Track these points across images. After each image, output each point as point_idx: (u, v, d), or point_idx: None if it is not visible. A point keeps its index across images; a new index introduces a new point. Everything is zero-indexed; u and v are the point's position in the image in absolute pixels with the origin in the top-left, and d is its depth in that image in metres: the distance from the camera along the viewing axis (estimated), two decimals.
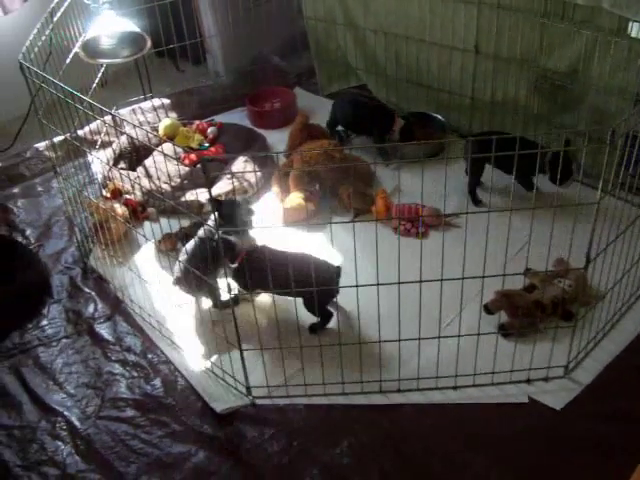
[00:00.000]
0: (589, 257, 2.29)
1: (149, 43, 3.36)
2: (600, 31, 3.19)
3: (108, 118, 3.24)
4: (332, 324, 2.43)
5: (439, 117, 4.01)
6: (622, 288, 2.75)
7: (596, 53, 3.26)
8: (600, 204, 2.19)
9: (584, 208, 2.23)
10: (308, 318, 2.46)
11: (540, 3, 3.35)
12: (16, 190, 3.84)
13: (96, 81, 3.81)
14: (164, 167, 3.61)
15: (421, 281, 2.23)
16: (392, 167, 3.75)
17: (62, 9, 3.05)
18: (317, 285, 2.35)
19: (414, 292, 2.28)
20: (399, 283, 2.25)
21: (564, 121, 3.59)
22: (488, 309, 2.71)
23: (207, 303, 2.89)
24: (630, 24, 3.03)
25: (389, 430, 2.41)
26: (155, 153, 3.66)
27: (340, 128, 4.07)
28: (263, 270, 2.42)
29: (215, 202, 2.68)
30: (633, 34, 3.04)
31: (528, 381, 2.56)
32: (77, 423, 2.53)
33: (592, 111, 3.42)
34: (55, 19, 3.00)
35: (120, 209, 3.26)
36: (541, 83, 3.57)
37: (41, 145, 3.99)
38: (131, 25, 3.20)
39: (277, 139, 4.11)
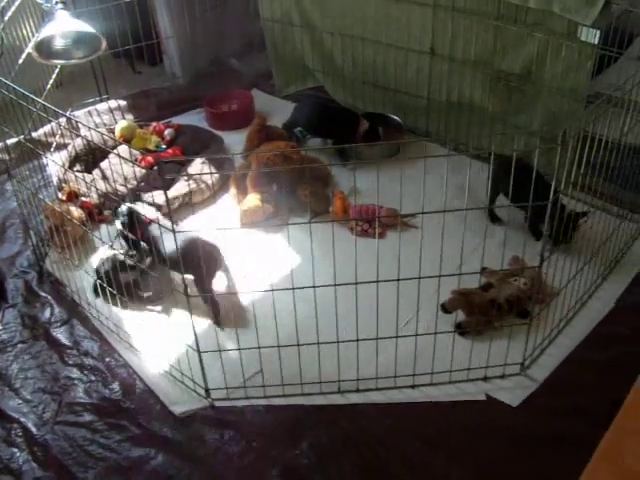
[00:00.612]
0: (543, 255, 2.33)
1: (104, 44, 3.32)
2: (552, 34, 3.25)
3: (63, 120, 3.21)
4: (291, 325, 2.43)
5: (396, 118, 4.04)
6: (576, 286, 2.81)
7: (548, 55, 3.32)
8: (551, 204, 2.23)
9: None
10: (267, 319, 2.46)
11: (494, 6, 3.41)
12: None
13: (50, 82, 3.76)
14: (120, 169, 3.58)
15: (378, 281, 2.25)
16: (349, 168, 3.77)
17: (13, 8, 3.01)
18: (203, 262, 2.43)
19: (372, 292, 2.29)
20: (356, 283, 2.26)
21: (519, 121, 3.65)
22: (445, 308, 2.74)
23: (166, 306, 2.88)
24: (580, 28, 3.09)
25: (348, 430, 2.43)
26: (111, 155, 3.63)
27: (298, 129, 4.07)
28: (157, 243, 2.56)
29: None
30: (582, 37, 3.10)
31: (485, 379, 2.59)
32: (33, 429, 2.49)
33: (545, 112, 3.48)
34: (6, 18, 2.96)
35: (76, 212, 3.22)
36: (495, 84, 3.62)
37: None
38: (86, 26, 3.16)
39: (235, 141, 4.11)
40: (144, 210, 2.92)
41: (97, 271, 2.94)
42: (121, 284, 2.78)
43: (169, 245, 2.50)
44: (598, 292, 2.96)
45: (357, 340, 2.42)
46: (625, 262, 3.11)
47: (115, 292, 2.76)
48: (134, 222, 2.87)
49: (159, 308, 2.92)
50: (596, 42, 3.07)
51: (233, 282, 2.97)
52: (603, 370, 2.60)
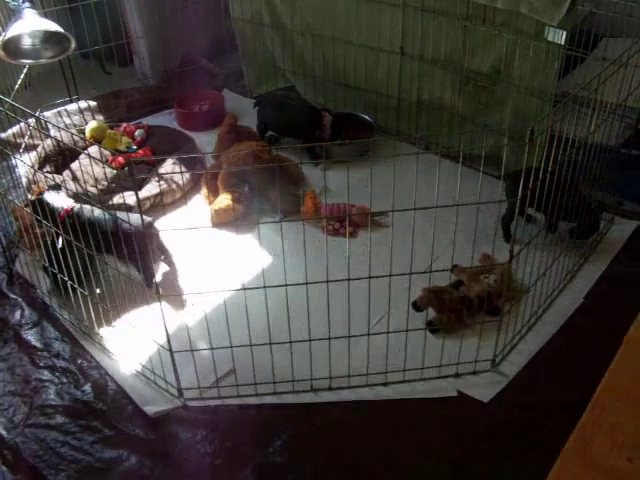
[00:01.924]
0: (512, 252, 2.36)
1: (73, 44, 3.31)
2: (519, 34, 3.29)
3: (32, 121, 3.19)
4: (263, 324, 2.44)
5: (367, 117, 4.06)
6: (545, 282, 2.84)
7: (516, 55, 3.36)
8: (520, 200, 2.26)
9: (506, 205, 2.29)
10: (239, 318, 2.47)
11: (462, 6, 3.44)
12: None
13: (19, 82, 3.73)
14: (91, 170, 3.56)
15: (349, 279, 2.27)
16: (320, 167, 3.78)
17: None
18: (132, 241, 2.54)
19: (343, 291, 2.31)
20: (327, 282, 2.27)
21: (488, 121, 3.68)
22: (416, 306, 2.76)
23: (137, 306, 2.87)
24: (547, 28, 3.13)
25: (321, 428, 2.44)
26: (82, 156, 3.61)
27: (270, 133, 4.08)
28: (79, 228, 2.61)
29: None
30: (549, 38, 3.14)
31: (457, 375, 2.61)
32: (4, 432, 2.47)
33: (515, 111, 3.51)
34: None
35: None
36: (465, 84, 3.65)
37: None
38: (54, 25, 3.15)
39: (206, 141, 4.10)
40: (59, 199, 2.92)
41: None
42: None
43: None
44: (567, 288, 3.00)
45: (329, 338, 2.43)
46: (593, 259, 3.15)
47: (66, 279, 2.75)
48: (44, 212, 2.85)
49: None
50: (563, 42, 3.10)
51: (173, 266, 3.00)
52: (573, 366, 2.63)
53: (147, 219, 2.83)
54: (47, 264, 2.86)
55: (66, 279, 2.75)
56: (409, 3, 3.64)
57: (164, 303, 2.32)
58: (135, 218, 2.67)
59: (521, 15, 3.20)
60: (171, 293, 2.91)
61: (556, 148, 2.39)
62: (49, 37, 3.26)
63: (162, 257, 3.02)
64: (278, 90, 4.58)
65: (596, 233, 3.09)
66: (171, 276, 2.99)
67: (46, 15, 3.30)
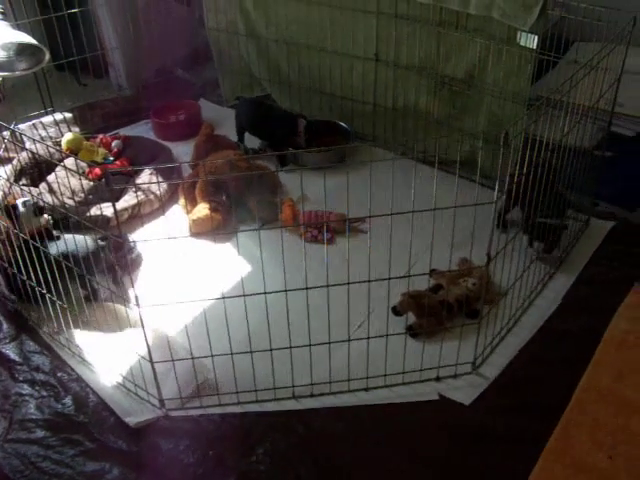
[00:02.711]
0: (489, 255, 2.38)
1: (47, 55, 3.30)
2: (492, 39, 3.32)
3: (7, 133, 3.17)
4: (243, 332, 2.44)
5: (343, 124, 4.08)
6: (523, 285, 2.87)
7: (490, 60, 3.39)
8: (497, 204, 2.28)
9: (483, 208, 2.30)
10: (219, 327, 2.47)
11: (435, 13, 3.47)
12: None
13: None
14: (67, 182, 3.55)
15: (328, 285, 2.27)
16: (296, 174, 3.79)
17: None
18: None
19: (323, 297, 2.32)
20: (306, 288, 2.28)
21: (464, 125, 3.71)
22: (396, 311, 2.77)
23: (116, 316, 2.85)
24: (519, 33, 3.17)
25: (304, 434, 2.43)
26: (58, 168, 3.59)
27: (251, 147, 4.09)
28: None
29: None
30: (522, 43, 3.17)
31: (437, 379, 2.62)
32: None
33: (489, 115, 3.55)
34: None
35: None
36: (440, 89, 3.68)
37: None
38: (27, 37, 3.13)
39: (183, 151, 4.10)
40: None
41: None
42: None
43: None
44: (545, 290, 3.02)
45: (310, 345, 2.43)
46: (571, 260, 3.18)
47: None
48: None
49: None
50: (535, 47, 3.14)
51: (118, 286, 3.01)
52: (552, 366, 2.65)
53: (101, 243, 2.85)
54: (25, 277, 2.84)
55: (44, 292, 2.73)
56: (383, 10, 3.67)
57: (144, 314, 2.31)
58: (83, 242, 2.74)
59: (493, 20, 3.24)
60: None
61: (530, 151, 2.42)
62: (22, 49, 3.25)
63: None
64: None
65: (557, 249, 3.12)
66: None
67: (19, 27, 3.29)
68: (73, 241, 2.75)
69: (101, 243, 2.89)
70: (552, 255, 3.09)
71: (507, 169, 2.28)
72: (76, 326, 2.81)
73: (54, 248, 2.77)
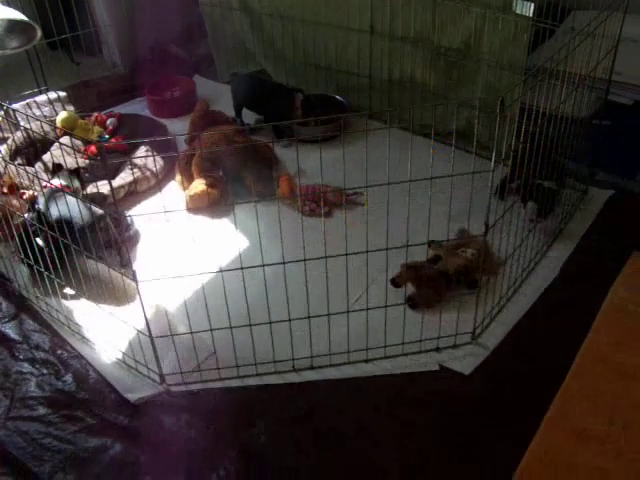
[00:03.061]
0: (487, 224, 2.37)
1: (39, 33, 3.27)
2: (488, 8, 3.29)
3: (1, 113, 3.15)
4: (242, 306, 2.44)
5: (338, 97, 4.06)
6: (522, 254, 2.86)
7: (485, 29, 3.37)
8: (494, 172, 2.27)
9: (480, 178, 2.29)
10: (218, 301, 2.47)
11: None
12: None
13: None
14: (63, 161, 3.52)
15: (326, 257, 2.27)
16: (292, 148, 3.77)
17: None
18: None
19: (321, 269, 2.31)
20: (304, 260, 2.27)
21: (460, 96, 3.69)
22: (395, 282, 2.77)
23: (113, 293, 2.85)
24: (514, 1, 3.14)
25: (304, 406, 2.44)
26: (53, 147, 3.57)
27: (248, 123, 4.06)
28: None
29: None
30: (517, 11, 3.15)
31: (437, 349, 2.63)
32: None
33: (486, 85, 3.52)
34: None
35: (18, 203, 3.17)
36: (436, 60, 3.66)
37: None
38: (18, 13, 3.10)
39: (178, 128, 4.09)
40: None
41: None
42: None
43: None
44: (544, 260, 3.02)
45: (309, 317, 2.43)
46: (568, 230, 3.18)
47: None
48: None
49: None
50: (530, 15, 3.12)
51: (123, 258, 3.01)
52: (552, 335, 2.66)
53: (98, 212, 2.83)
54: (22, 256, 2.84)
55: (42, 270, 2.73)
56: None
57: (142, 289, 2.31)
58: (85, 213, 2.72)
59: None
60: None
61: (527, 120, 2.40)
62: (13, 26, 3.21)
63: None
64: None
65: (552, 213, 3.10)
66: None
67: (9, 3, 3.25)
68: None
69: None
70: (546, 221, 3.08)
71: (504, 137, 2.27)
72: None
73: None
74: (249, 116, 4.12)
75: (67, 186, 3.08)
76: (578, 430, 2.02)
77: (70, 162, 3.50)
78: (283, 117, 3.87)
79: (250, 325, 2.41)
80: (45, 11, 3.97)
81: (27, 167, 3.56)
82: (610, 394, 2.13)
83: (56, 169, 3.07)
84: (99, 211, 2.84)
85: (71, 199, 2.73)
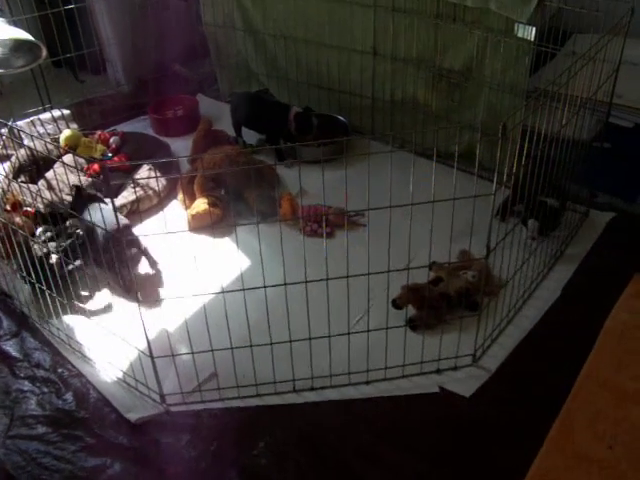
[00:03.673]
0: (489, 247, 2.38)
1: (44, 52, 3.29)
2: (490, 31, 3.32)
3: (5, 130, 3.17)
4: (243, 326, 2.44)
5: (341, 118, 4.07)
6: (523, 276, 2.87)
7: (487, 52, 3.39)
8: (495, 195, 2.28)
9: (482, 200, 2.30)
10: (219, 322, 2.47)
11: (433, 5, 3.47)
12: None
13: None
14: (66, 179, 3.54)
15: (327, 279, 2.27)
16: (294, 169, 3.79)
17: None
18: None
19: (323, 291, 2.31)
20: (306, 282, 2.28)
21: (462, 118, 3.71)
22: (396, 304, 2.77)
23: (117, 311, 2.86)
24: (516, 25, 3.16)
25: (305, 428, 2.44)
26: (56, 165, 3.59)
27: (249, 143, 4.08)
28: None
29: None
30: (519, 34, 3.17)
31: (438, 371, 2.62)
32: None
33: (488, 108, 3.54)
34: None
35: (20, 220, 3.17)
36: (438, 82, 3.68)
37: None
38: (24, 33, 3.12)
39: (181, 146, 4.10)
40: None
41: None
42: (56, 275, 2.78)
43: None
44: (545, 281, 3.03)
45: (309, 339, 2.43)
46: (569, 251, 3.18)
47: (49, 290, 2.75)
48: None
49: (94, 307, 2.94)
50: (532, 39, 3.14)
51: (157, 271, 3.06)
52: (553, 357, 2.65)
53: (123, 221, 2.84)
54: (24, 274, 2.85)
55: (44, 288, 2.74)
56: (380, 3, 3.67)
57: (144, 309, 2.31)
58: (110, 221, 2.67)
59: (491, 12, 3.23)
60: (152, 297, 2.91)
61: (529, 142, 2.42)
62: (19, 46, 3.23)
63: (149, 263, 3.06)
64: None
65: (557, 229, 3.12)
66: (154, 280, 2.99)
67: (16, 23, 3.28)
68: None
69: (124, 221, 2.94)
70: (548, 239, 3.09)
71: (506, 161, 2.28)
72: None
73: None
74: (251, 136, 4.13)
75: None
76: (579, 454, 2.01)
77: (73, 180, 3.52)
78: (278, 131, 3.89)
79: (251, 346, 2.42)
80: (50, 30, 4.00)
81: (30, 185, 3.58)
82: (611, 418, 2.12)
83: (76, 191, 3.06)
84: (124, 220, 2.87)
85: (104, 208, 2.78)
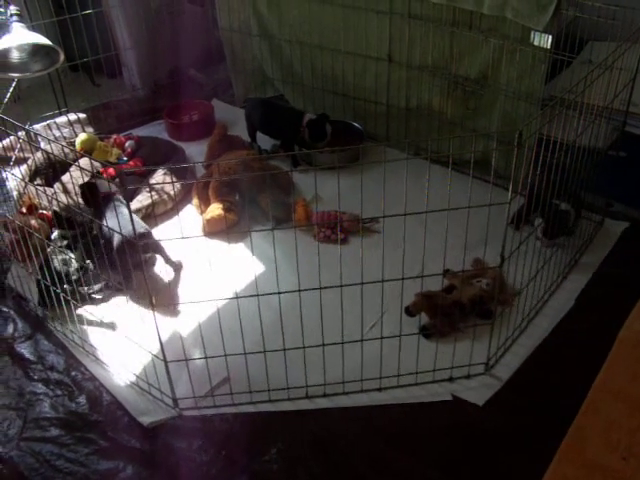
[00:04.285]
0: (503, 256, 2.37)
1: (62, 56, 3.31)
2: (506, 39, 3.31)
3: (22, 134, 3.19)
4: (257, 332, 2.44)
5: (356, 125, 4.08)
6: (537, 285, 2.86)
7: (503, 60, 3.38)
8: (511, 204, 2.27)
9: (497, 209, 2.30)
10: (233, 327, 2.48)
11: (449, 13, 3.46)
12: None
13: (8, 96, 3.73)
14: (82, 182, 3.56)
15: (342, 285, 2.27)
16: (309, 175, 3.79)
17: None
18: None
19: (336, 297, 2.32)
20: (320, 288, 2.28)
21: (477, 125, 3.70)
22: (409, 311, 2.77)
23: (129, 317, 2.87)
24: (532, 33, 3.16)
25: (317, 434, 2.44)
26: (72, 168, 3.61)
27: (264, 148, 4.09)
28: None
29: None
30: (536, 42, 3.16)
31: (451, 379, 2.62)
32: None
33: (503, 115, 3.54)
34: None
35: (35, 223, 3.20)
36: (453, 89, 3.67)
37: None
38: (42, 38, 3.15)
39: (196, 151, 4.11)
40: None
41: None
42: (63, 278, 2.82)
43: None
44: (559, 291, 3.01)
45: (323, 345, 2.43)
46: (584, 261, 3.17)
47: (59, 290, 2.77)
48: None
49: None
50: (549, 46, 3.13)
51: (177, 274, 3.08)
52: (566, 367, 2.64)
53: (140, 230, 2.86)
54: (40, 277, 2.86)
55: (59, 291, 2.75)
56: (396, 10, 3.66)
57: (158, 313, 2.32)
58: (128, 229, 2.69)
59: (507, 20, 3.23)
60: (168, 301, 2.92)
61: (544, 150, 2.41)
62: (37, 50, 3.26)
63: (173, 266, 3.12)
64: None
65: (565, 235, 3.12)
66: (172, 284, 3.01)
67: (34, 28, 3.31)
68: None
69: (142, 229, 2.96)
70: (554, 242, 3.09)
71: (521, 169, 2.28)
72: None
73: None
74: (266, 141, 4.14)
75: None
76: (592, 464, 2.00)
77: None
78: (291, 137, 3.89)
79: (264, 351, 2.42)
80: (68, 34, 4.03)
81: (46, 188, 3.60)
82: (625, 429, 2.11)
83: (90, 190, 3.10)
84: (141, 229, 2.90)
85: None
